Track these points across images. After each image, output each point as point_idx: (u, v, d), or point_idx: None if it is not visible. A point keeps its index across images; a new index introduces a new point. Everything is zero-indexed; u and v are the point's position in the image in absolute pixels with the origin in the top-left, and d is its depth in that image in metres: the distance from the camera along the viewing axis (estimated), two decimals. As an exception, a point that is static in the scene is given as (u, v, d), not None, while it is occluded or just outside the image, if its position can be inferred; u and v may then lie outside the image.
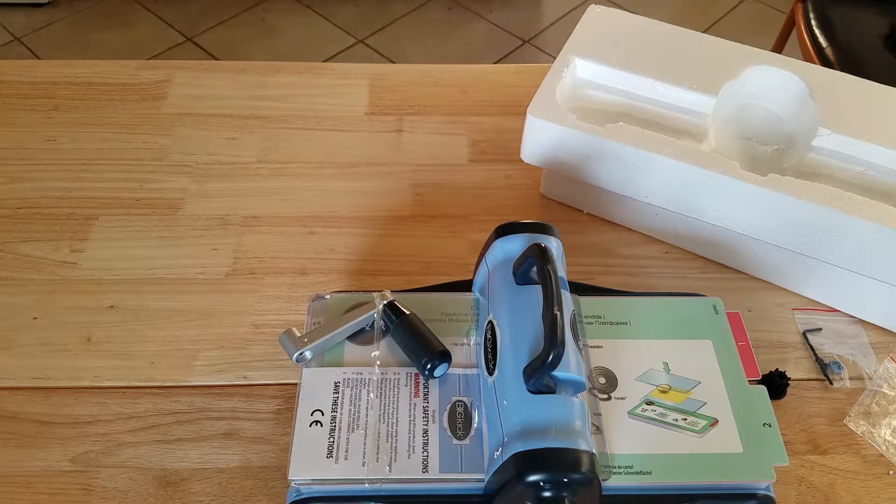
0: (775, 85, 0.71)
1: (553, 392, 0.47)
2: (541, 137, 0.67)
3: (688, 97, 0.69)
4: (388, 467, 0.48)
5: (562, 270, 0.54)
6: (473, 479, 0.48)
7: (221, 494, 0.55)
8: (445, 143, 0.81)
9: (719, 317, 0.58)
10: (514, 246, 0.54)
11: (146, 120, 0.81)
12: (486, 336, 0.53)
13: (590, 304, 0.58)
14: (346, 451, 0.49)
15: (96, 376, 0.61)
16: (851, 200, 0.59)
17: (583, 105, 0.72)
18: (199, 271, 0.68)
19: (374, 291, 0.56)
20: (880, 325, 0.67)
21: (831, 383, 0.63)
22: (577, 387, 0.49)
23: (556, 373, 0.47)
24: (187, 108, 0.83)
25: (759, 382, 0.62)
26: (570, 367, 0.48)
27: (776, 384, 0.61)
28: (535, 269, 0.50)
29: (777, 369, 0.62)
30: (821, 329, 0.66)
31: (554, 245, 0.55)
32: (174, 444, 0.57)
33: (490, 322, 0.53)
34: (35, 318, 0.65)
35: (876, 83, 0.69)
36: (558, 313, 0.45)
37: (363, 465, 0.48)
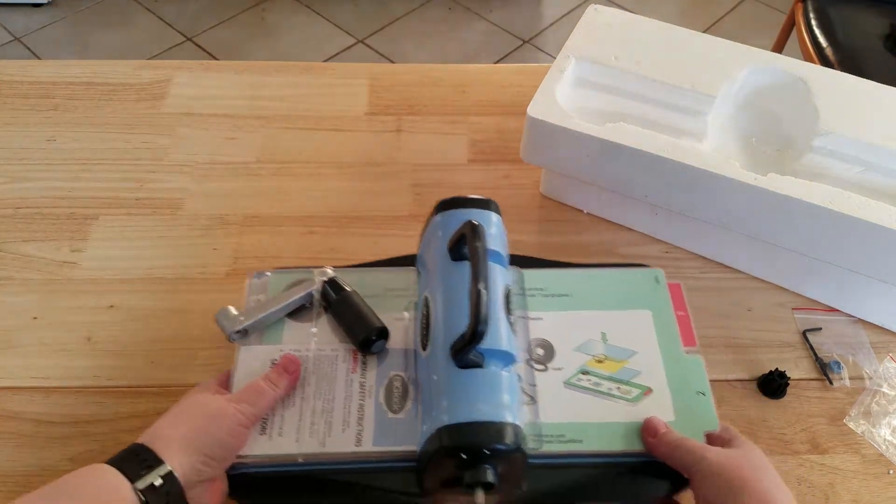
0: (775, 85, 0.71)
1: (480, 367, 0.47)
2: (541, 137, 0.67)
3: (688, 97, 0.69)
4: (321, 442, 0.48)
5: (500, 245, 0.54)
6: (407, 452, 0.48)
7: (221, 494, 0.55)
8: (445, 142, 0.81)
9: (660, 287, 0.57)
10: (453, 221, 0.54)
11: (146, 120, 0.81)
12: (422, 311, 0.53)
13: (533, 276, 0.58)
14: (281, 428, 0.49)
15: (96, 376, 0.61)
16: (851, 200, 0.59)
17: (583, 105, 0.72)
18: (199, 271, 0.68)
19: (315, 268, 0.56)
20: (880, 325, 0.67)
21: (831, 383, 0.63)
22: (506, 360, 0.49)
23: (484, 347, 0.47)
24: (187, 108, 0.83)
25: (758, 382, 0.62)
26: (501, 341, 0.48)
27: (776, 384, 0.61)
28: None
29: (777, 369, 0.62)
30: (821, 329, 0.66)
31: (494, 221, 0.54)
32: (174, 443, 0.57)
33: (425, 297, 0.53)
34: (35, 318, 0.65)
35: (876, 83, 0.69)
36: (483, 290, 0.45)
37: (297, 441, 0.48)
